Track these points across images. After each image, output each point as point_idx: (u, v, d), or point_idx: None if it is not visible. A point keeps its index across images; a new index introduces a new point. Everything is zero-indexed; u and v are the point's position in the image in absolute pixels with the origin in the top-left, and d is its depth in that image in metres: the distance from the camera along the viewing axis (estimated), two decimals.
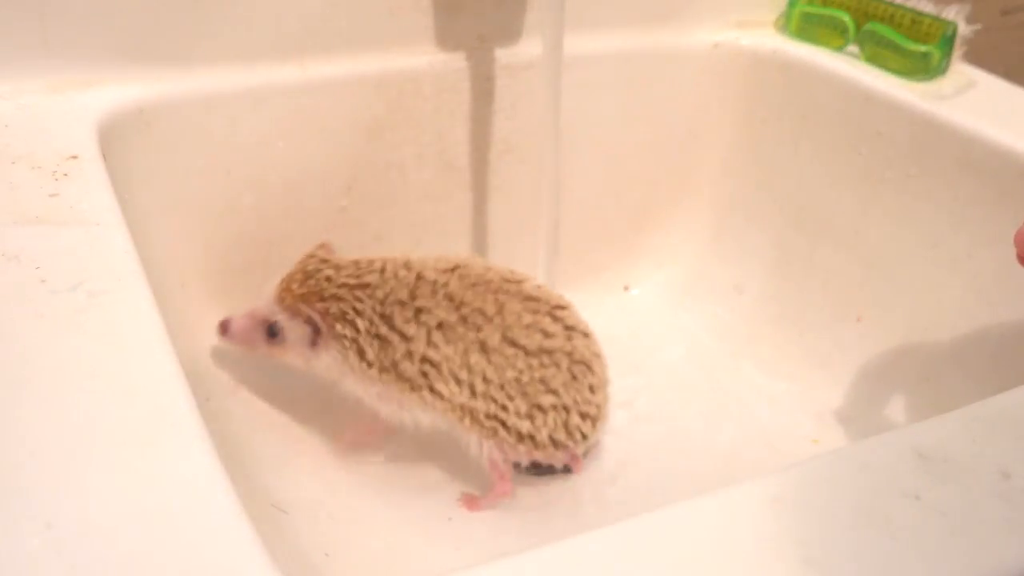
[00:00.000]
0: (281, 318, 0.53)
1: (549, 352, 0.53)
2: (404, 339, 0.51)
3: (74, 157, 0.48)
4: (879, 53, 0.66)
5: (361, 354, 0.52)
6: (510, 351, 0.52)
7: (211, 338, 0.55)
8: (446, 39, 0.62)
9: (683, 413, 0.65)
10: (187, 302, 0.57)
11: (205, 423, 0.34)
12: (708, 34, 0.70)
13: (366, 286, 0.52)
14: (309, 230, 0.62)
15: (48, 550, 0.28)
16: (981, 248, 0.59)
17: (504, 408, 0.52)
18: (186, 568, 0.28)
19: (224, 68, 0.57)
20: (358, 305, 0.52)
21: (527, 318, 0.53)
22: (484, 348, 0.51)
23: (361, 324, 0.51)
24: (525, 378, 0.52)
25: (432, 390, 0.52)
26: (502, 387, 0.52)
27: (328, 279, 0.52)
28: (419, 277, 0.53)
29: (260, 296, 0.54)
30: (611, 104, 0.69)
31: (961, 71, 0.66)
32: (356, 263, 0.53)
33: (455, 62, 0.62)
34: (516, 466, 0.56)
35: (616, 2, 0.66)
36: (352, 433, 0.58)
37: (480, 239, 0.69)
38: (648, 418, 0.64)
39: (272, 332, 0.54)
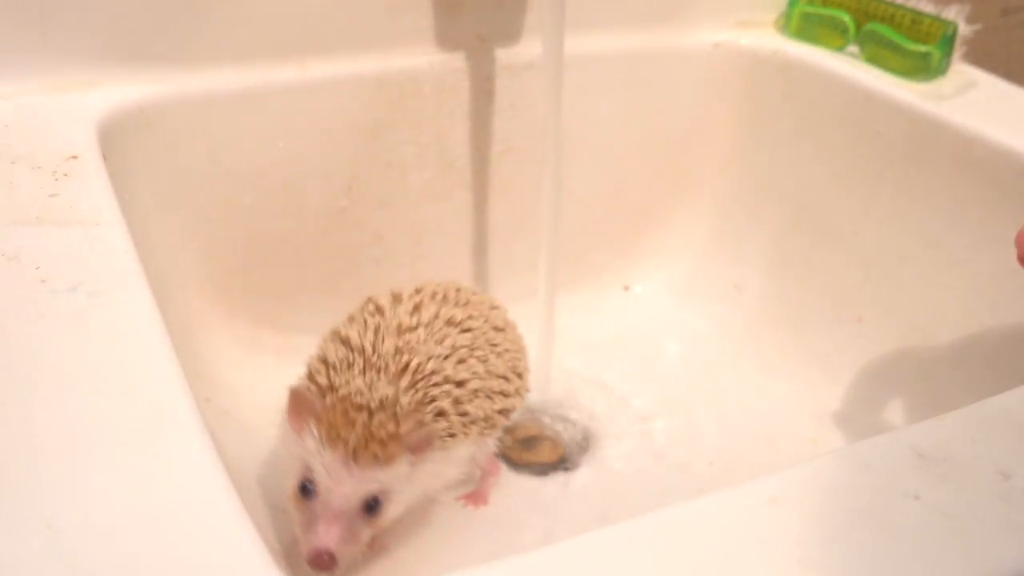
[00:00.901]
0: (379, 480, 0.44)
1: (505, 320, 0.54)
2: (459, 385, 0.48)
3: (74, 157, 0.48)
4: (879, 53, 0.66)
5: (452, 434, 0.47)
6: (498, 336, 0.52)
7: (211, 338, 0.55)
8: (446, 39, 0.62)
9: (682, 413, 0.65)
10: (187, 302, 0.57)
11: (205, 423, 0.34)
12: (708, 34, 0.70)
13: (405, 366, 0.46)
14: (309, 230, 0.62)
15: (48, 550, 0.28)
16: (981, 248, 0.59)
17: (504, 395, 0.51)
18: (186, 568, 0.28)
19: (224, 68, 0.57)
20: (430, 391, 0.46)
21: (484, 299, 0.54)
22: (489, 344, 0.51)
23: (446, 404, 0.47)
24: (510, 355, 0.52)
25: (465, 415, 0.48)
26: (503, 376, 0.51)
27: (391, 395, 0.45)
28: (419, 322, 0.48)
29: (304, 499, 0.44)
30: (611, 104, 0.69)
31: (961, 71, 0.66)
32: (349, 362, 0.46)
33: (455, 62, 0.62)
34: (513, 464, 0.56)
35: (616, 2, 0.66)
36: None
37: (480, 239, 0.69)
38: (647, 418, 0.64)
39: (373, 507, 0.44)
